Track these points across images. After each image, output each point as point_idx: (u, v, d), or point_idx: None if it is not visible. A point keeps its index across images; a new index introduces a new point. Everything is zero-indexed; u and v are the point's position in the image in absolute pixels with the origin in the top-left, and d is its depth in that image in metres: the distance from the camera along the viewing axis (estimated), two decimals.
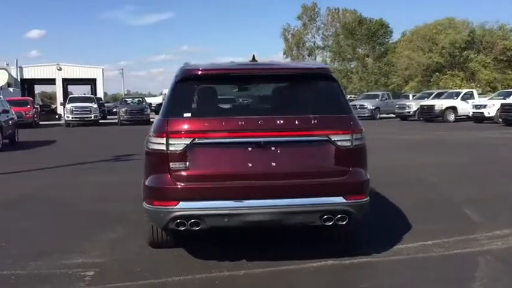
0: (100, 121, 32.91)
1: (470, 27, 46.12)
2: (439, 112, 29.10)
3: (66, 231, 5.93)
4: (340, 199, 4.29)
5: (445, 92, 33.36)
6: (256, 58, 5.05)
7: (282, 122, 4.29)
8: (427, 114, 29.76)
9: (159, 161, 4.34)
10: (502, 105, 24.15)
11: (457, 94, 31.07)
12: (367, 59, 59.58)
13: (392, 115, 34.56)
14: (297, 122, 4.32)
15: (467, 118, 28.03)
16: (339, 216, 4.30)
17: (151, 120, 23.77)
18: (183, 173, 4.26)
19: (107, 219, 6.27)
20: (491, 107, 26.02)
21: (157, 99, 46.12)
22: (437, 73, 46.45)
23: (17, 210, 7.14)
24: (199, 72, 4.58)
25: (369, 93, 43.06)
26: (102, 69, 50.45)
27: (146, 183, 4.42)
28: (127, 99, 37.15)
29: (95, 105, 32.18)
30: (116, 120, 32.67)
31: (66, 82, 52.26)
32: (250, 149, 4.26)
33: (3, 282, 4.26)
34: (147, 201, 4.42)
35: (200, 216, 4.22)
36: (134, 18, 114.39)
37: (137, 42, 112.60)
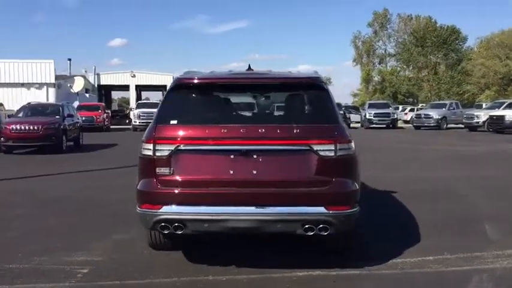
0: None
1: None
2: (510, 123, 27.47)
3: (82, 230, 6.26)
4: (321, 209, 4.27)
5: None
6: (251, 67, 5.13)
7: (263, 130, 4.35)
8: (497, 125, 28.14)
9: (147, 166, 4.53)
10: None
11: None
12: (438, 67, 57.55)
13: (460, 125, 33.10)
14: (278, 131, 4.36)
15: None
16: (321, 226, 4.28)
17: None
18: (167, 178, 4.42)
19: (126, 220, 6.51)
20: None
21: None
22: None
23: (49, 209, 7.60)
24: (191, 81, 4.74)
25: (436, 102, 41.53)
26: (172, 76, 52.10)
27: (137, 187, 4.62)
28: None
29: None
30: None
31: (140, 88, 54.75)
32: (232, 156, 4.34)
33: (6, 275, 4.58)
34: (137, 204, 4.61)
35: (182, 221, 4.35)
36: (208, 27, 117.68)
37: (210, 51, 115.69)
